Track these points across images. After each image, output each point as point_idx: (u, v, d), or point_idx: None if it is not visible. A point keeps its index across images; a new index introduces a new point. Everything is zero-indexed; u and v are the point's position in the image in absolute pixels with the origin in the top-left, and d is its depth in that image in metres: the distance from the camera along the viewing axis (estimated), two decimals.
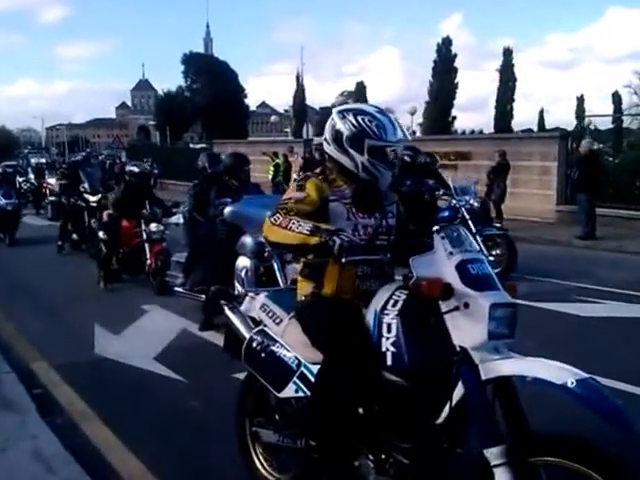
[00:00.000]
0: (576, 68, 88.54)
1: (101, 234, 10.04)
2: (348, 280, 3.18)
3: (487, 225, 10.24)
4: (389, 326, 2.89)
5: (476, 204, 9.94)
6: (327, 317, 3.11)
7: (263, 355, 3.46)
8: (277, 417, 3.57)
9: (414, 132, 48.55)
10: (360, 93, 60.88)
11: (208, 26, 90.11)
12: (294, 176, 19.82)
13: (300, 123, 45.58)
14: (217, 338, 6.79)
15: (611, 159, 19.87)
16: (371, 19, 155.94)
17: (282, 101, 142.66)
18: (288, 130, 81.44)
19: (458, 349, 2.69)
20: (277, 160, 22.88)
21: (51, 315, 8.16)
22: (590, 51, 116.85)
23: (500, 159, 16.52)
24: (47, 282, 10.27)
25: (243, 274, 6.94)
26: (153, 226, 9.48)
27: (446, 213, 9.81)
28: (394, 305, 2.92)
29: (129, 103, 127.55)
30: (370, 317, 3.00)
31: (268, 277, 6.92)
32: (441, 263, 2.74)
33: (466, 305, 2.65)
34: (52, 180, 19.57)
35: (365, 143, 3.18)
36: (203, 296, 7.66)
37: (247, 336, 3.59)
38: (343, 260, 2.85)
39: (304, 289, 3.32)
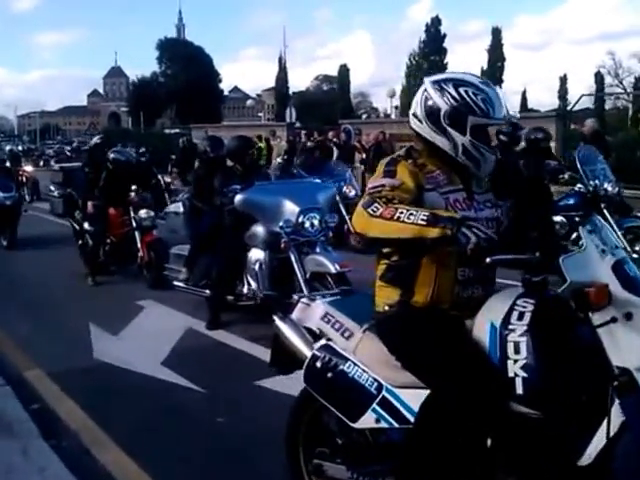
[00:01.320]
0: (547, 50, 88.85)
1: (86, 225, 9.39)
2: (446, 286, 2.60)
3: (626, 216, 8.29)
4: (517, 345, 2.30)
5: (612, 189, 7.54)
6: (425, 333, 2.52)
7: (330, 376, 2.87)
8: (345, 450, 2.94)
9: (388, 115, 48.16)
10: (344, 75, 60.09)
11: (180, 12, 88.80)
12: (278, 160, 19.23)
13: (282, 107, 44.70)
14: (230, 339, 6.27)
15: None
16: (342, 3, 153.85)
17: (253, 85, 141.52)
18: (261, 115, 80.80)
19: (617, 371, 2.09)
20: (260, 144, 22.19)
21: (39, 316, 7.43)
22: (560, 33, 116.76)
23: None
24: (31, 279, 9.46)
25: (257, 268, 6.38)
26: (143, 212, 8.81)
27: (571, 200, 8.21)
28: (520, 318, 2.33)
29: (101, 90, 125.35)
30: (484, 333, 2.40)
31: (282, 270, 6.30)
32: (595, 264, 2.14)
33: (628, 316, 2.06)
34: (28, 167, 18.55)
35: (468, 121, 2.61)
36: (207, 291, 7.06)
37: (306, 352, 3.00)
38: (488, 261, 2.23)
39: (388, 297, 2.70)
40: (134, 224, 8.82)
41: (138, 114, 57.10)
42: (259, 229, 6.44)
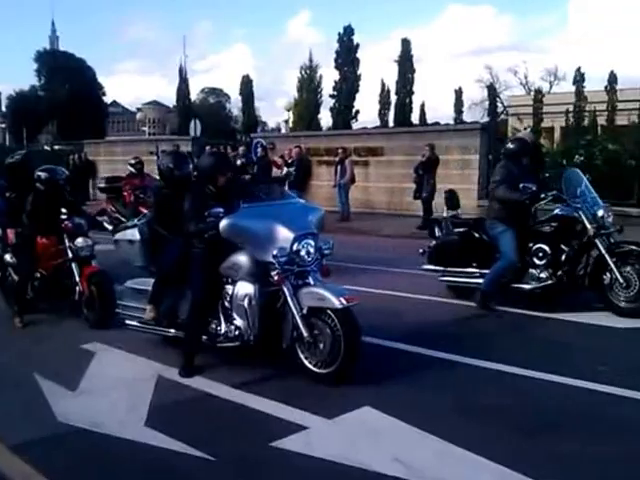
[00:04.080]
0: (422, 63, 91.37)
1: (8, 257, 8.30)
2: None
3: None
4: None
5: (606, 217, 7.89)
6: None
7: None
8: None
9: (279, 129, 47.77)
10: (247, 87, 59.20)
11: (53, 24, 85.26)
12: None
13: (186, 120, 43.14)
14: (216, 388, 5.56)
15: None
16: (221, 16, 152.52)
17: (131, 99, 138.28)
18: (145, 129, 79.05)
19: None
20: None
21: None
22: (434, 47, 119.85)
23: (430, 153, 15.93)
24: None
25: (246, 304, 5.60)
26: (80, 241, 7.91)
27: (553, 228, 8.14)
28: None
29: None
30: None
31: (274, 304, 5.61)
32: None
33: None
34: None
35: None
36: (172, 331, 6.24)
37: None
38: None
39: None
40: (70, 254, 7.83)
41: (19, 130, 54.08)
42: (243, 259, 5.71)
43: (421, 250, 9.11)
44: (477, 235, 8.52)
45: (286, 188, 12.67)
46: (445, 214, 9.38)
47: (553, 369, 5.69)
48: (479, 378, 5.70)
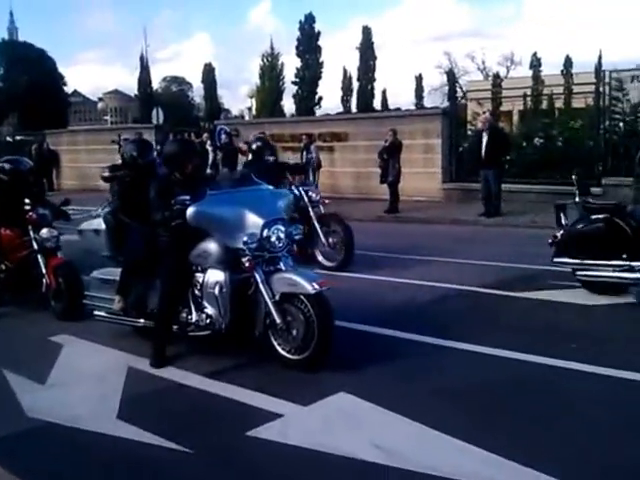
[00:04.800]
0: (383, 50, 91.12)
1: None
2: None
3: None
4: None
5: None
6: None
7: None
8: None
9: (243, 116, 47.61)
10: (209, 75, 58.62)
11: (12, 14, 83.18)
12: None
13: (148, 109, 42.57)
14: (189, 378, 5.39)
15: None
16: (183, 5, 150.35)
17: (93, 89, 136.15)
18: (107, 118, 78.10)
19: None
20: None
21: None
22: (394, 34, 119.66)
23: (392, 138, 15.86)
24: None
25: (217, 291, 5.44)
26: (44, 232, 7.65)
27: None
28: None
29: None
30: None
31: (245, 291, 5.46)
32: None
33: None
34: None
35: None
36: (142, 321, 6.06)
37: None
38: None
39: None
40: (35, 246, 7.58)
41: None
42: (212, 246, 5.55)
43: (550, 240, 7.95)
44: (622, 222, 7.41)
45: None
46: (577, 199, 8.12)
47: (527, 349, 5.64)
48: (454, 360, 5.61)
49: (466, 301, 7.68)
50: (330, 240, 9.75)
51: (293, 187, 9.82)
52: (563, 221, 8.01)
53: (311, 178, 18.52)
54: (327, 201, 10.40)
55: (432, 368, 5.40)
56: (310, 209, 9.84)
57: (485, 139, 14.50)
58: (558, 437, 4.08)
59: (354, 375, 5.22)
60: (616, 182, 15.44)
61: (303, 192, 9.82)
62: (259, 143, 10.81)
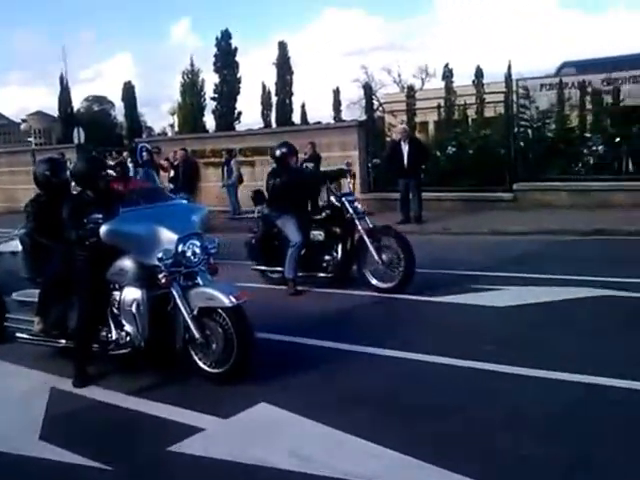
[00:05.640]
0: (302, 65, 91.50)
1: None
2: None
3: None
4: None
5: None
6: None
7: None
8: None
9: (166, 133, 47.25)
10: (128, 93, 57.75)
11: None
12: None
13: (70, 129, 41.77)
14: (111, 397, 5.34)
15: None
16: (103, 25, 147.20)
17: (16, 110, 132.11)
18: (31, 139, 76.05)
19: None
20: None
21: None
22: (312, 50, 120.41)
23: (312, 151, 15.97)
24: None
25: (134, 309, 5.37)
26: None
27: None
28: None
29: None
30: None
31: (163, 307, 5.40)
32: None
33: None
34: None
35: None
36: (63, 341, 5.95)
37: None
38: None
39: None
40: None
41: None
42: (128, 263, 5.48)
43: None
44: None
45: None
46: None
47: (440, 351, 5.75)
48: (368, 364, 5.68)
49: (383, 307, 7.80)
50: (384, 257, 8.28)
51: (332, 198, 8.86)
52: None
53: (229, 194, 18.58)
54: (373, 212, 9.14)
55: (348, 374, 5.45)
56: (357, 222, 8.55)
57: (406, 149, 14.71)
58: (469, 436, 4.18)
59: (274, 385, 5.23)
60: (526, 187, 16.03)
61: (347, 203, 8.63)
62: (284, 149, 9.04)
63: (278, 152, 8.99)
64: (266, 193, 9.16)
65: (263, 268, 9.23)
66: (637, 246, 10.80)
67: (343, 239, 8.72)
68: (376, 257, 8.24)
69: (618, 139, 16.85)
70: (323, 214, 8.89)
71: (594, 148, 17.33)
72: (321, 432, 4.30)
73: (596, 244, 11.08)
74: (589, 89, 17.80)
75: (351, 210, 8.52)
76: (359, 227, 8.46)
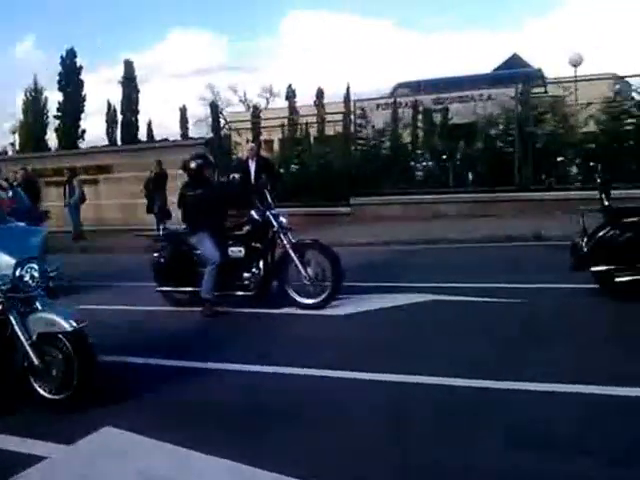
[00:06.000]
0: (148, 84, 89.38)
1: None
2: None
3: None
4: None
5: None
6: None
7: None
8: None
9: (6, 152, 45.31)
10: None
11: None
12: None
13: None
14: None
15: None
16: None
17: None
18: None
19: None
20: None
21: None
22: (159, 69, 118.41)
23: (158, 169, 15.76)
24: None
25: None
26: None
27: None
28: None
29: None
30: None
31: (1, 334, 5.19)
32: None
33: None
34: None
35: None
36: None
37: None
38: None
39: None
40: None
41: None
42: None
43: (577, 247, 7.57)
44: None
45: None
46: (606, 203, 7.60)
47: (286, 361, 5.91)
48: (213, 380, 5.73)
49: (217, 322, 7.98)
50: (310, 272, 8.07)
51: (253, 212, 8.49)
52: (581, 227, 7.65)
53: (71, 213, 17.96)
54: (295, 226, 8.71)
55: (192, 391, 5.47)
56: (282, 237, 8.29)
57: (253, 167, 14.88)
58: (295, 439, 4.31)
59: (118, 408, 5.12)
60: (363, 202, 16.74)
61: (272, 217, 8.33)
62: (199, 161, 8.69)
63: (193, 164, 8.60)
64: (175, 209, 9.09)
65: (170, 289, 8.88)
66: (460, 253, 11.88)
67: (264, 255, 8.49)
68: (303, 272, 8.06)
69: (445, 155, 18.08)
70: (243, 229, 8.54)
71: (424, 163, 18.46)
72: (167, 451, 4.25)
73: (427, 252, 12.11)
74: (421, 108, 18.90)
75: (276, 225, 8.29)
76: (285, 242, 8.25)
